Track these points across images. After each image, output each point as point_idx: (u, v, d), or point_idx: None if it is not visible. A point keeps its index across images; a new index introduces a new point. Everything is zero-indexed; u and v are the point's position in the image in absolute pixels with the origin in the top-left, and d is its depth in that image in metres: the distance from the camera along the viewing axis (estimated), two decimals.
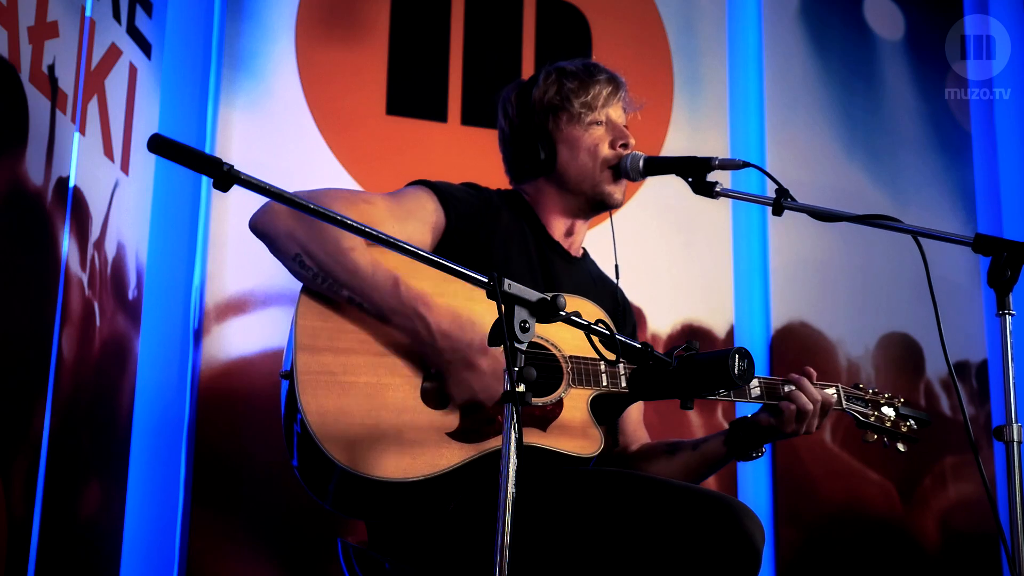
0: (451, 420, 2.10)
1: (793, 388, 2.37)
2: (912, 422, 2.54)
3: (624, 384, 2.25)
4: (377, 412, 2.05)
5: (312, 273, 2.11)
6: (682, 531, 2.01)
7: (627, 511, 2.06)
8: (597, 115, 2.46)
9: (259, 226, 2.16)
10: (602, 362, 2.24)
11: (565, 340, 2.25)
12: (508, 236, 2.39)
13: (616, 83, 2.50)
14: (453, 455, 2.07)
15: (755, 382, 2.38)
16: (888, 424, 2.52)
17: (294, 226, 2.12)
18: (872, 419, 2.50)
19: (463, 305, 2.14)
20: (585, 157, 2.45)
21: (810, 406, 2.35)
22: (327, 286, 2.11)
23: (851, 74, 4.34)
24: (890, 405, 2.53)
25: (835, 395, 2.46)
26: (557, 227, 2.51)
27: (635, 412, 2.60)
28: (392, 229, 2.17)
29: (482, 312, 2.12)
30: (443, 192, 2.33)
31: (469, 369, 2.10)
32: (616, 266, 2.61)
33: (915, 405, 2.60)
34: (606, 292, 2.58)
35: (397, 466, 2.02)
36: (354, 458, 1.99)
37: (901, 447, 2.53)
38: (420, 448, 2.05)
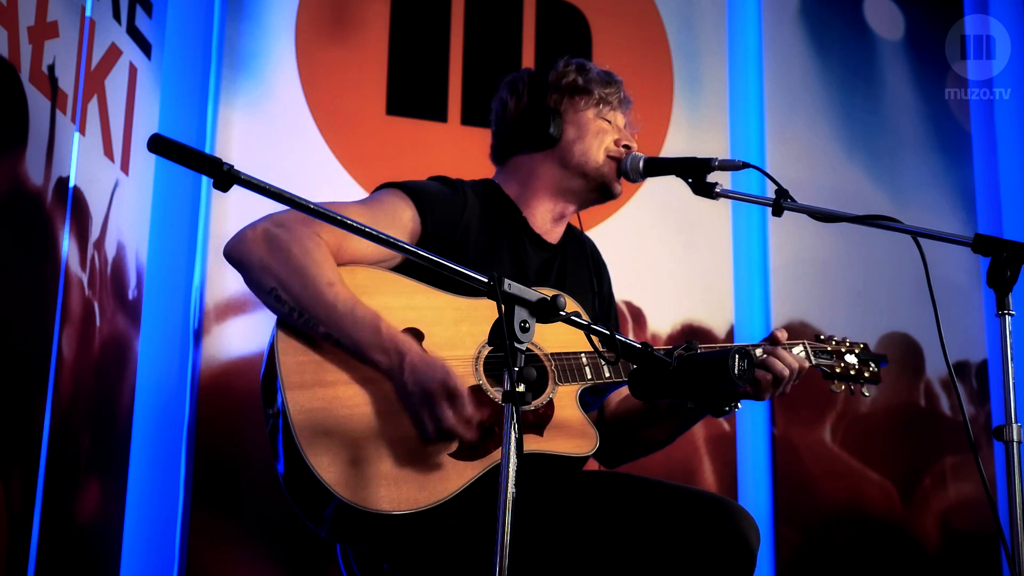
0: (451, 441, 2.06)
1: (767, 355, 2.33)
2: (873, 365, 2.55)
3: (607, 373, 2.23)
4: (377, 442, 2.00)
5: (288, 308, 2.05)
6: (677, 531, 2.00)
7: (622, 512, 2.05)
8: (610, 112, 2.48)
9: (234, 254, 2.11)
10: (583, 355, 2.23)
11: (544, 337, 2.22)
12: (481, 233, 2.35)
13: (627, 97, 2.54)
14: (460, 476, 2.04)
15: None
16: (852, 372, 2.52)
17: (269, 259, 2.06)
18: (838, 370, 2.51)
19: (453, 327, 2.13)
20: (591, 140, 2.44)
21: (786, 372, 2.30)
22: (303, 321, 2.05)
23: (851, 74, 4.34)
24: (851, 352, 2.54)
25: (802, 352, 2.44)
26: (541, 215, 2.46)
27: None
28: (367, 243, 2.12)
29: (468, 333, 2.12)
30: (418, 196, 2.29)
31: (430, 405, 2.01)
32: (596, 251, 2.59)
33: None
34: (583, 276, 2.54)
35: (408, 498, 1.97)
36: (363, 495, 1.95)
37: (866, 392, 2.52)
38: (426, 475, 2.01)
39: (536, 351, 2.21)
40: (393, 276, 2.17)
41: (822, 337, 2.54)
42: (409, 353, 2.04)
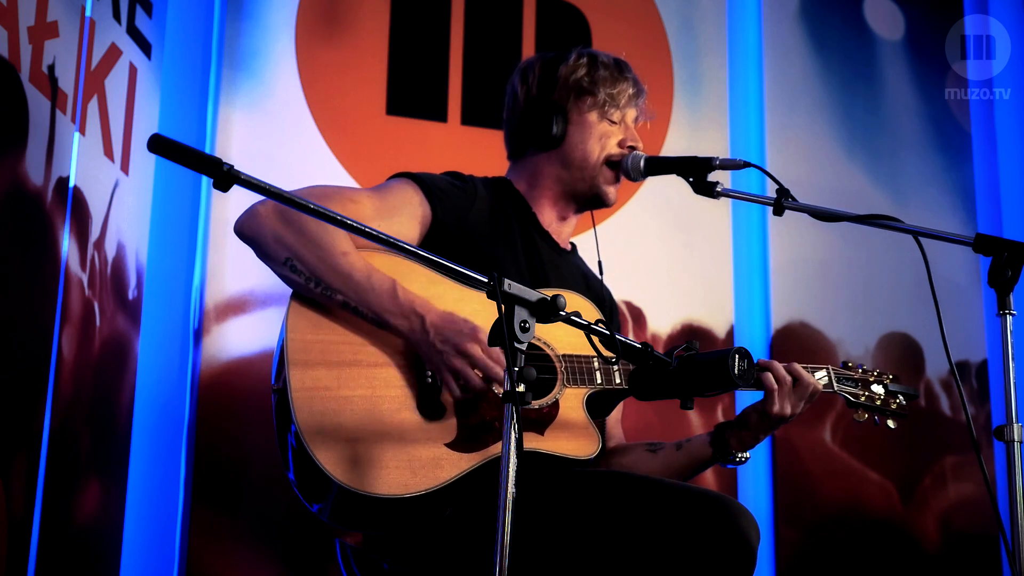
0: (449, 430, 2.08)
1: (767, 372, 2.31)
2: (901, 398, 2.54)
3: (618, 380, 2.23)
4: (374, 426, 2.02)
5: (304, 278, 2.08)
6: (677, 530, 2.00)
7: (622, 511, 2.05)
8: (616, 112, 2.46)
9: (245, 230, 2.13)
10: (596, 359, 2.23)
11: (558, 339, 2.23)
12: (492, 226, 2.36)
13: (640, 89, 2.51)
14: (453, 466, 2.05)
15: None
16: (878, 402, 2.51)
17: (282, 231, 2.09)
18: (863, 398, 2.50)
19: (455, 307, 2.13)
20: (594, 144, 2.44)
21: (773, 384, 2.28)
22: (320, 291, 2.08)
23: (851, 74, 4.34)
24: (879, 382, 2.53)
25: (825, 378, 2.45)
26: (548, 213, 2.48)
27: (615, 410, 2.56)
28: (379, 227, 2.13)
29: (472, 312, 2.11)
30: (428, 184, 2.31)
31: (460, 356, 2.06)
32: (599, 262, 2.56)
33: (903, 381, 2.60)
34: (594, 287, 2.56)
35: (397, 482, 1.99)
36: (353, 476, 1.97)
37: (891, 423, 2.52)
38: (419, 462, 2.02)
39: (548, 351, 2.22)
40: (407, 263, 2.17)
41: (849, 364, 2.54)
42: (428, 314, 2.07)
